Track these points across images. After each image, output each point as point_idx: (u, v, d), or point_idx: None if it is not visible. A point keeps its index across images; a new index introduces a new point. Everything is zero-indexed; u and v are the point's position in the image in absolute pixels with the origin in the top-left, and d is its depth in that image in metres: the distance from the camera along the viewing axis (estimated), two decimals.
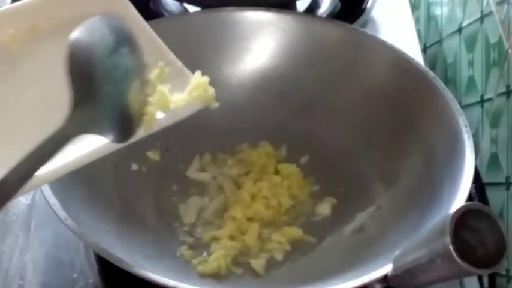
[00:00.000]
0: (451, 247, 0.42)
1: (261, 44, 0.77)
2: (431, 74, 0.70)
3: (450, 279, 0.46)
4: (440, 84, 0.69)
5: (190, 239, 0.68)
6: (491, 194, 0.71)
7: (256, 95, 0.77)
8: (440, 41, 0.90)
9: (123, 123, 0.51)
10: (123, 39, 0.52)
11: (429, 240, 0.45)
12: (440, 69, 0.89)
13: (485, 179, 0.73)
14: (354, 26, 0.80)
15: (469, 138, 0.63)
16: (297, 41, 0.77)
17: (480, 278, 0.68)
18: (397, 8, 0.93)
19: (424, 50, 0.95)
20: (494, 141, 0.72)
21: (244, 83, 0.77)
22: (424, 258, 0.46)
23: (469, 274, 0.42)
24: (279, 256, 0.66)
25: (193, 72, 0.74)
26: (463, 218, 0.43)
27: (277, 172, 0.73)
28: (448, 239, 0.42)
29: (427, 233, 0.46)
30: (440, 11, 0.91)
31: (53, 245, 0.67)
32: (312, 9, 0.88)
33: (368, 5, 0.88)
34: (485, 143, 0.73)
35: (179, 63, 0.59)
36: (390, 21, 0.89)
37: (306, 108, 0.76)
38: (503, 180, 0.69)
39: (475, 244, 0.44)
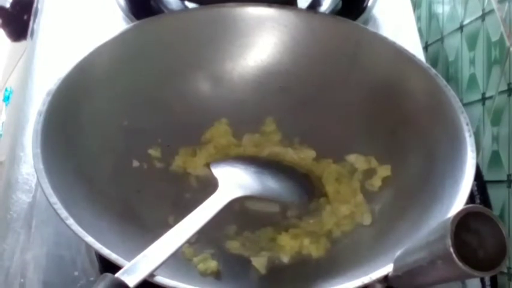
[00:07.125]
0: (451, 250, 0.42)
1: (262, 40, 0.77)
2: (433, 71, 0.70)
3: (451, 281, 0.46)
4: (442, 82, 0.68)
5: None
6: (493, 192, 0.71)
7: (257, 91, 0.77)
8: (441, 39, 0.90)
9: None
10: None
11: (430, 242, 0.45)
12: (442, 67, 0.89)
13: (487, 176, 0.73)
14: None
15: (470, 136, 0.63)
16: (298, 37, 0.76)
17: None
18: (398, 6, 0.92)
19: (426, 48, 0.94)
20: (495, 139, 0.72)
21: (246, 79, 0.77)
22: (425, 259, 0.45)
23: (470, 276, 0.42)
24: (285, 259, 0.66)
25: (193, 70, 0.75)
26: (464, 221, 0.43)
27: None
28: (448, 242, 0.42)
29: (427, 234, 0.46)
30: (442, 9, 0.90)
31: (54, 243, 0.67)
32: (313, 7, 0.88)
33: (369, 3, 0.87)
34: (487, 141, 0.73)
35: None
36: (391, 19, 0.89)
37: (307, 104, 0.76)
38: (504, 178, 0.69)
39: (475, 246, 0.44)
